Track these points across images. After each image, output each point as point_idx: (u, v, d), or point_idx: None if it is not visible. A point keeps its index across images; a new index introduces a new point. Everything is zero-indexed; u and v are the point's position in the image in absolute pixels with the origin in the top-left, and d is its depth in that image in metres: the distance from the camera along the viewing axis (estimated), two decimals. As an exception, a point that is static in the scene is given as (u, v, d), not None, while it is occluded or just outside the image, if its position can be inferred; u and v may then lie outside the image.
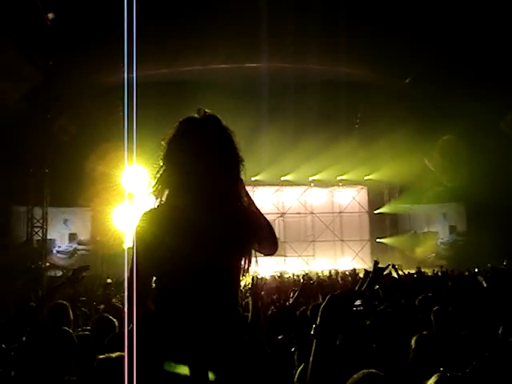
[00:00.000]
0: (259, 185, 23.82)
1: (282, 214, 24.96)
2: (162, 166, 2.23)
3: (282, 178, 24.03)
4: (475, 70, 16.86)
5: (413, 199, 22.95)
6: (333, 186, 25.15)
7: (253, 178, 23.34)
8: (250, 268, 2.24)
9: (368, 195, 25.66)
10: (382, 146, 21.25)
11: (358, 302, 1.84)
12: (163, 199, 2.21)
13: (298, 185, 24.66)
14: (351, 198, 25.72)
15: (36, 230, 19.14)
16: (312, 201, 25.44)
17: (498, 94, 16.74)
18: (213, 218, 2.13)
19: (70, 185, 17.99)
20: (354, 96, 19.69)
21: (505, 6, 14.90)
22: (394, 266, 7.63)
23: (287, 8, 15.88)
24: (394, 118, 19.51)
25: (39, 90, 17.01)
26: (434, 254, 23.16)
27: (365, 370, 2.09)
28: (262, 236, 2.27)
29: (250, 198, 2.31)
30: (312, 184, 24.81)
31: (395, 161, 22.11)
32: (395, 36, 16.01)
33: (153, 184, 2.23)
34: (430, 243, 24.18)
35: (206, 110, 2.31)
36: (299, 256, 24.23)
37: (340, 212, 25.60)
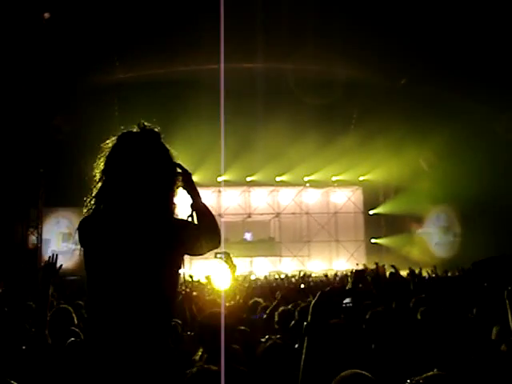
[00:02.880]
0: (254, 185, 23.83)
1: (278, 215, 24.97)
2: (99, 179, 2.35)
3: (277, 179, 24.02)
4: (470, 71, 16.92)
5: (408, 200, 22.98)
6: (328, 186, 25.16)
7: (248, 179, 23.36)
8: (178, 274, 2.31)
9: (363, 196, 25.69)
10: (377, 146, 21.29)
11: (347, 300, 1.87)
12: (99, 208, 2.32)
13: (294, 185, 24.65)
14: (346, 198, 25.74)
15: (31, 230, 19.09)
16: (307, 201, 25.45)
17: (493, 95, 16.80)
18: (141, 229, 2.22)
19: (65, 184, 17.93)
20: (350, 97, 19.70)
21: (500, 7, 14.96)
22: (393, 266, 7.66)
23: (284, 7, 15.89)
24: (389, 118, 19.54)
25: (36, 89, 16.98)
26: (428, 255, 23.20)
27: (352, 370, 2.11)
28: (190, 242, 2.31)
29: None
30: (307, 184, 24.81)
31: (390, 161, 22.16)
32: (391, 36, 16.05)
33: (90, 198, 2.35)
34: (424, 244, 24.24)
35: (146, 124, 2.42)
36: (294, 256, 24.23)
37: (335, 212, 25.62)
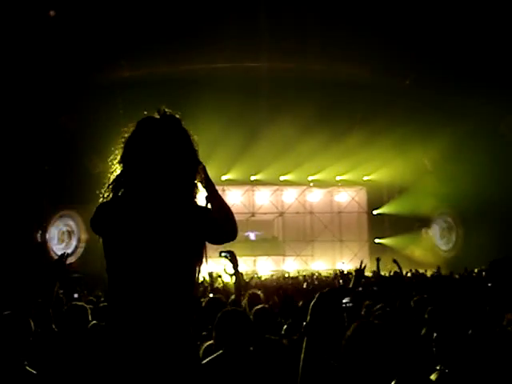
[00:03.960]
0: (258, 184, 23.83)
1: (281, 214, 24.97)
2: (119, 165, 2.29)
3: (282, 178, 24.02)
4: (475, 71, 16.87)
5: (412, 200, 22.95)
6: (332, 186, 25.15)
7: (252, 178, 23.37)
8: (201, 260, 2.26)
9: (367, 195, 25.67)
10: (381, 146, 21.24)
11: (346, 300, 1.87)
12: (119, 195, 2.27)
13: (298, 184, 24.65)
14: (350, 198, 25.72)
15: (36, 227, 19.14)
16: (311, 201, 25.44)
17: (498, 95, 16.76)
18: (162, 215, 2.18)
19: (70, 182, 18.00)
20: (354, 96, 19.67)
21: (505, 7, 14.93)
22: (395, 261, 7.66)
23: (288, 7, 15.90)
24: (393, 118, 19.50)
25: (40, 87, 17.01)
26: (432, 255, 23.16)
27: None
28: (210, 229, 2.27)
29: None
30: (311, 184, 24.80)
31: (394, 161, 22.12)
32: (395, 36, 16.03)
33: (110, 183, 2.29)
34: (428, 244, 24.20)
35: (166, 110, 2.36)
36: (298, 256, 24.23)
37: (339, 212, 25.60)
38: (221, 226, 2.31)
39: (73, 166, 17.76)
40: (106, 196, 2.28)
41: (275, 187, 24.62)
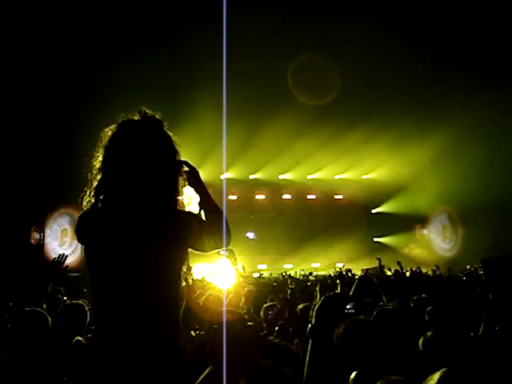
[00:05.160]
0: (257, 183, 23.83)
1: (280, 213, 24.97)
2: (99, 171, 2.24)
3: (281, 177, 24.02)
4: (477, 68, 16.88)
5: (411, 198, 22.97)
6: (331, 184, 25.14)
7: (251, 176, 23.36)
8: (183, 268, 2.20)
9: (366, 194, 25.66)
10: (380, 145, 21.25)
11: (349, 306, 1.87)
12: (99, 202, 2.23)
13: (297, 183, 24.65)
14: (349, 196, 25.70)
15: (34, 226, 19.12)
16: (310, 199, 25.44)
17: (498, 92, 16.78)
18: (143, 222, 2.13)
19: (69, 180, 17.94)
20: (353, 94, 19.64)
21: (504, 5, 14.93)
22: (398, 263, 7.69)
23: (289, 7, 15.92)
24: (393, 116, 19.50)
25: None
26: (430, 254, 23.18)
27: (389, 378, 2.05)
28: (195, 234, 2.21)
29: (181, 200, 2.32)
30: (310, 183, 24.81)
31: (393, 160, 22.13)
32: (397, 32, 16.00)
33: (89, 190, 2.25)
34: (427, 243, 24.23)
35: (147, 111, 2.30)
36: (296, 254, 24.20)
37: (338, 211, 25.58)
38: (208, 232, 2.24)
39: (72, 164, 17.71)
40: (87, 203, 2.24)
41: (274, 186, 24.62)
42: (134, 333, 2.05)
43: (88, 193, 2.24)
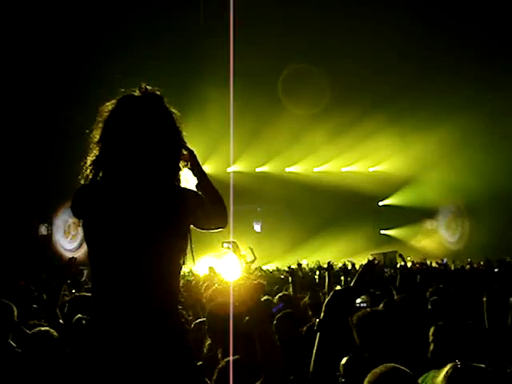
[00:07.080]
0: (264, 175, 23.82)
1: (287, 205, 24.98)
2: (97, 146, 2.21)
3: (287, 170, 24.00)
4: (486, 61, 16.80)
5: (418, 191, 22.90)
6: (338, 177, 25.09)
7: (257, 169, 23.36)
8: (185, 246, 2.16)
9: (373, 186, 25.58)
10: (387, 137, 21.18)
11: (360, 300, 1.87)
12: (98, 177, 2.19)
13: (303, 176, 24.62)
14: (356, 189, 25.63)
15: (41, 220, 19.23)
16: (317, 192, 25.40)
17: (509, 85, 16.70)
18: (145, 197, 2.10)
19: (75, 174, 17.99)
20: (360, 87, 19.56)
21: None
22: (400, 256, 7.69)
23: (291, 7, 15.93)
24: (400, 108, 19.42)
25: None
26: (438, 246, 23.13)
27: (386, 364, 2.03)
28: (196, 212, 2.19)
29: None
30: (317, 175, 24.78)
31: (400, 152, 22.06)
32: (407, 23, 15.93)
33: (89, 164, 2.22)
34: (434, 235, 24.17)
35: (148, 87, 2.26)
36: (303, 247, 24.21)
37: (345, 203, 25.52)
38: (210, 210, 2.24)
39: (79, 158, 17.76)
40: (84, 177, 2.20)
41: (281, 178, 24.60)
42: (131, 307, 2.02)
43: (85, 168, 2.21)
